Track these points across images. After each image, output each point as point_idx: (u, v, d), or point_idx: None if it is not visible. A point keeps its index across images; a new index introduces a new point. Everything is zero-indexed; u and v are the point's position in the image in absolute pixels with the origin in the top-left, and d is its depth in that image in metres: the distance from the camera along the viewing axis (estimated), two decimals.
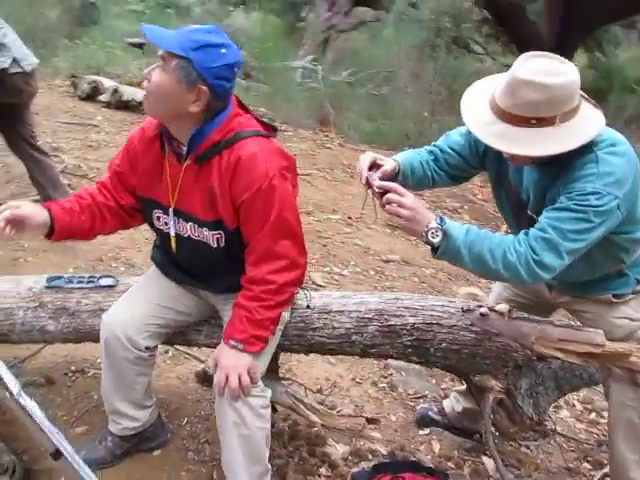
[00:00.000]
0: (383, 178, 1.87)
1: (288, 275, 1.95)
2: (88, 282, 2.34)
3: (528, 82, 1.65)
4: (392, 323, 2.23)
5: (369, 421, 2.33)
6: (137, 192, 2.08)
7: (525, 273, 1.75)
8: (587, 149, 1.74)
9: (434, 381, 3.09)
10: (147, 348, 2.11)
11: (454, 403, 2.67)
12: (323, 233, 4.83)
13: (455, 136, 2.13)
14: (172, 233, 2.05)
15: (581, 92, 1.77)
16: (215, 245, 1.99)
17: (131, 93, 6.85)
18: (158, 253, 2.21)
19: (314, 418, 2.20)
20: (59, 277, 2.36)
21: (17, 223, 1.91)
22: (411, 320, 2.22)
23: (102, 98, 6.87)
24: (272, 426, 2.37)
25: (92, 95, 7.00)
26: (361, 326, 2.25)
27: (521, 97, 1.67)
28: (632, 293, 2.12)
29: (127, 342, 2.07)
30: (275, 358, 2.44)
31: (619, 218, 1.79)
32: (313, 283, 3.95)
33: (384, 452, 2.48)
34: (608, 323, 2.13)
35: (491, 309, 2.20)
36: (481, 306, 2.22)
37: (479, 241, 1.76)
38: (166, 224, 2.05)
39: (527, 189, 1.94)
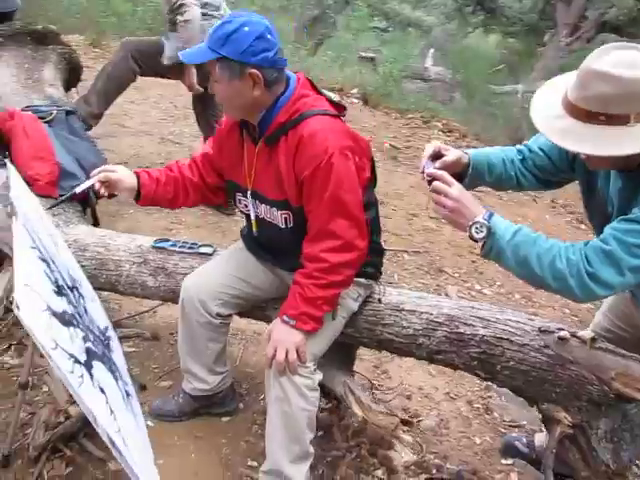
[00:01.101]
0: (443, 169, 1.78)
1: (342, 255, 1.94)
2: (189, 248, 2.52)
3: (601, 73, 1.48)
4: (461, 331, 2.12)
5: (403, 422, 2.23)
6: (224, 175, 2.20)
7: (576, 286, 1.55)
8: None
9: (536, 413, 2.84)
10: (218, 315, 2.22)
11: (546, 439, 2.44)
12: (475, 249, 4.65)
13: None
14: (252, 215, 2.15)
15: None
16: (283, 225, 2.04)
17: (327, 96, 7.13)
18: (245, 229, 2.32)
19: (356, 410, 2.16)
20: (166, 240, 2.57)
21: (109, 185, 2.14)
22: (481, 331, 2.09)
23: None
24: (341, 419, 2.38)
25: None
26: (430, 329, 2.16)
27: (591, 89, 1.49)
28: None
29: (200, 306, 2.20)
30: (350, 351, 2.44)
31: None
32: (446, 295, 3.84)
33: (452, 468, 2.36)
34: None
35: (573, 334, 2.00)
36: (562, 329, 2.03)
37: (527, 243, 1.60)
38: (246, 206, 2.15)
39: (611, 199, 1.73)
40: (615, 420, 2.01)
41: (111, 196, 2.27)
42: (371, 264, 2.17)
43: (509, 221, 1.65)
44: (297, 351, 1.96)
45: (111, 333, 2.32)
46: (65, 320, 1.69)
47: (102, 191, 2.14)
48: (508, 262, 1.63)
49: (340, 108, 2.01)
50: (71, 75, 4.48)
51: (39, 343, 1.41)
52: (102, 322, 2.25)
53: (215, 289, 2.21)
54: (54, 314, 1.61)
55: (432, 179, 1.70)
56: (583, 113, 1.51)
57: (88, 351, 1.77)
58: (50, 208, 2.21)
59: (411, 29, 14.71)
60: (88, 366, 1.68)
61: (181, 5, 3.68)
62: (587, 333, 2.00)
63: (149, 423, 2.36)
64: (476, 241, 1.65)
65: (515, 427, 2.76)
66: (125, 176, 2.16)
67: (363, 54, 10.61)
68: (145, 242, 2.57)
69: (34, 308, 1.48)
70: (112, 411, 1.68)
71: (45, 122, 3.08)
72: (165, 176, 2.21)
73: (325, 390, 2.36)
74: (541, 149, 1.91)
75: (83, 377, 1.58)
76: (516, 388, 2.13)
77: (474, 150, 1.98)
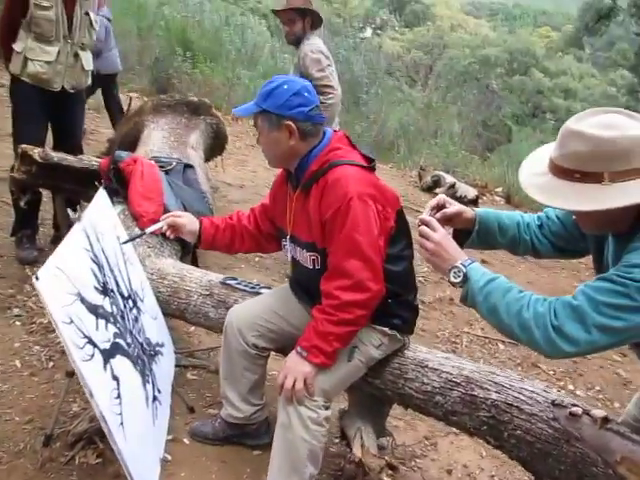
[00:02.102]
0: (443, 220, 1.85)
1: (353, 295, 2.04)
2: (251, 288, 2.73)
3: (577, 133, 1.51)
4: (475, 394, 2.10)
5: (389, 466, 2.18)
6: (276, 223, 2.42)
7: (541, 338, 1.53)
8: None
9: None
10: (255, 346, 2.38)
11: None
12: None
13: None
14: (289, 257, 2.34)
15: None
16: (311, 266, 2.20)
17: (465, 190, 7.28)
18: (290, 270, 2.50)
19: (356, 450, 2.17)
20: (234, 278, 2.81)
21: (175, 228, 2.43)
22: (494, 396, 2.07)
23: (438, 191, 7.41)
24: (365, 474, 2.41)
25: (432, 187, 7.61)
26: (447, 388, 2.17)
27: (568, 148, 1.53)
28: None
29: (238, 334, 2.38)
30: (380, 407, 2.47)
31: None
32: None
33: None
34: None
35: (585, 411, 1.92)
36: (576, 405, 1.95)
37: (499, 291, 1.61)
38: (286, 248, 2.34)
39: (608, 264, 1.70)
40: None
41: (177, 238, 2.55)
42: (399, 317, 2.23)
43: (488, 270, 1.68)
44: (305, 382, 2.07)
45: (164, 350, 2.58)
46: (97, 312, 1.96)
47: (168, 233, 2.44)
48: (481, 309, 1.65)
49: (368, 162, 2.16)
50: (215, 142, 5.03)
51: (50, 313, 1.68)
52: (155, 337, 2.52)
53: (254, 321, 2.39)
54: (83, 301, 1.88)
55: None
56: (560, 170, 1.55)
57: (116, 345, 2.02)
58: (123, 243, 2.50)
59: None
60: (107, 354, 1.92)
61: (327, 86, 4.10)
62: (599, 412, 1.91)
63: (185, 440, 2.55)
64: (454, 285, 1.70)
65: None
66: (189, 222, 2.44)
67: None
68: (215, 278, 2.83)
69: (57, 286, 1.75)
70: (120, 398, 1.89)
71: (164, 170, 3.53)
72: (224, 224, 2.46)
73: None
74: (557, 216, 1.92)
75: (93, 357, 1.82)
76: (522, 460, 2.05)
77: (485, 209, 2.02)
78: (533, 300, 1.58)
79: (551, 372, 3.99)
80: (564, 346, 1.51)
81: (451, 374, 2.19)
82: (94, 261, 2.09)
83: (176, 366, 2.98)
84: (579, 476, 1.88)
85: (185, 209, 3.39)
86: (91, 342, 1.83)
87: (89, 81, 3.86)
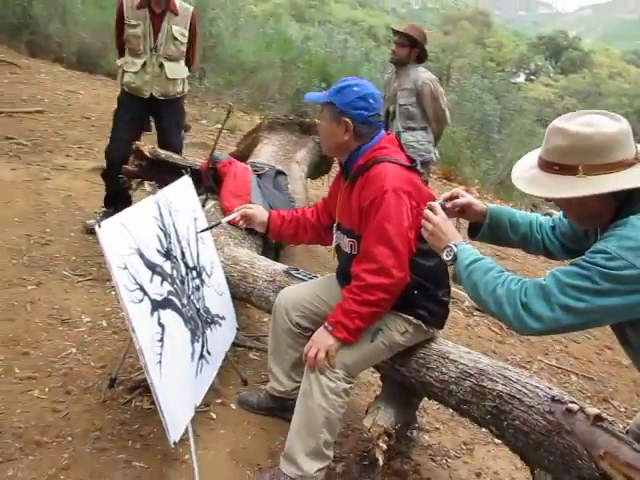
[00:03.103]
0: (452, 210, 2.01)
1: (378, 278, 2.23)
2: (309, 278, 2.99)
3: (559, 129, 1.65)
4: (484, 384, 2.22)
5: (386, 434, 2.29)
6: (332, 216, 2.66)
7: (511, 313, 1.66)
8: (625, 214, 1.61)
9: None
10: (298, 325, 2.63)
11: None
12: None
13: None
14: (334, 244, 2.57)
15: None
16: (349, 251, 2.43)
17: None
18: None
19: (366, 422, 2.34)
20: (296, 269, 3.09)
21: (247, 219, 2.74)
22: (500, 387, 2.17)
23: None
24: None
25: None
26: (461, 378, 2.30)
27: (550, 143, 1.66)
28: None
29: (284, 312, 2.65)
30: (409, 398, 2.62)
31: None
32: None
33: None
34: None
35: (581, 409, 1.99)
36: (573, 402, 2.03)
37: (481, 270, 1.75)
38: (334, 236, 2.58)
39: None
40: None
41: (248, 228, 2.87)
42: (425, 308, 2.39)
43: (477, 252, 1.83)
44: (328, 354, 2.29)
45: (223, 323, 2.90)
46: (154, 269, 2.30)
47: (241, 223, 2.76)
48: (465, 285, 1.80)
49: (410, 162, 2.36)
50: (321, 160, 5.36)
51: (106, 257, 2.03)
52: (216, 309, 2.84)
53: (299, 302, 2.64)
54: (141, 256, 2.23)
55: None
56: (543, 163, 1.69)
57: (168, 301, 2.35)
58: (201, 232, 2.83)
59: None
60: (157, 304, 2.25)
61: (443, 118, 4.82)
62: (593, 410, 1.97)
63: (232, 405, 2.83)
64: (447, 263, 1.87)
65: None
66: (260, 213, 2.74)
67: None
68: (280, 267, 3.12)
69: (117, 237, 2.11)
70: (162, 342, 2.21)
71: (257, 174, 3.91)
72: (290, 216, 2.74)
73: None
74: (565, 217, 2.03)
75: (141, 302, 2.15)
76: (518, 450, 2.14)
77: (498, 205, 2.16)
78: (509, 279, 1.72)
79: (622, 409, 3.88)
80: (530, 322, 1.64)
81: (467, 366, 2.32)
82: (161, 229, 2.44)
83: (242, 346, 3.31)
84: (565, 467, 1.95)
85: (271, 209, 3.73)
86: (142, 289, 2.17)
87: (179, 89, 4.36)
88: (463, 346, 2.54)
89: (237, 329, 3.13)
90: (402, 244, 2.24)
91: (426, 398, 2.57)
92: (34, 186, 4.75)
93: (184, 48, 4.24)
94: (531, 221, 2.09)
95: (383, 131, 2.44)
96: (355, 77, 2.46)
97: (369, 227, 2.27)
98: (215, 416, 2.73)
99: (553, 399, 2.06)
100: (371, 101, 2.32)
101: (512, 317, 1.67)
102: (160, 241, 2.41)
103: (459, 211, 2.06)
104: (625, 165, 1.61)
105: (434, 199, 2.37)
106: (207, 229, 2.87)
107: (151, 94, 4.22)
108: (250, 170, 3.84)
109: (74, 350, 2.92)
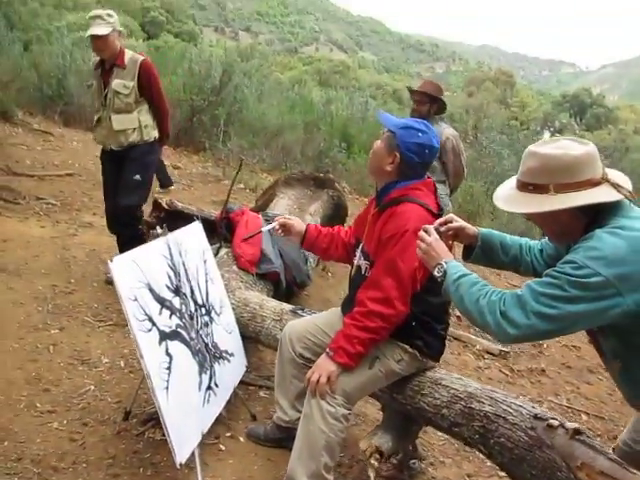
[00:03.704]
0: (446, 234, 2.16)
1: (380, 307, 2.39)
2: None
3: (533, 152, 1.82)
4: (472, 406, 2.34)
5: (378, 452, 2.38)
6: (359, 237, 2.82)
7: (492, 322, 1.80)
8: (593, 229, 1.75)
9: None
10: (301, 356, 2.78)
11: None
12: None
13: None
14: (355, 262, 2.70)
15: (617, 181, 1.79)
16: (363, 272, 2.58)
17: None
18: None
19: (362, 445, 2.45)
20: (301, 308, 3.26)
21: (286, 229, 2.91)
22: (487, 408, 2.29)
23: None
24: None
25: None
26: (452, 402, 2.42)
27: (525, 165, 1.84)
28: None
29: (289, 344, 2.80)
30: (408, 425, 2.74)
31: (624, 308, 1.67)
32: None
33: None
34: None
35: (561, 424, 2.10)
36: (555, 419, 2.14)
37: (467, 284, 1.91)
38: (355, 255, 2.72)
39: None
40: None
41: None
42: (421, 339, 2.52)
43: (465, 269, 1.99)
44: (329, 379, 2.43)
45: (232, 359, 3.07)
46: (163, 303, 2.50)
47: (279, 232, 2.93)
48: (453, 299, 1.95)
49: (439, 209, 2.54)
50: (335, 212, 5.57)
51: (118, 289, 2.23)
52: (225, 346, 3.02)
53: (303, 334, 2.79)
54: (151, 290, 2.43)
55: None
56: (520, 184, 1.86)
57: (176, 333, 2.55)
58: (245, 239, 3.05)
59: None
60: (165, 335, 2.44)
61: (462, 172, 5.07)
62: (572, 425, 2.08)
63: (240, 438, 2.96)
64: (437, 280, 2.02)
65: None
66: (298, 224, 2.91)
67: None
68: (287, 307, 3.29)
69: (128, 272, 2.32)
70: (169, 370, 2.39)
71: (268, 222, 4.13)
72: (326, 231, 2.91)
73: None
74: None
75: (150, 331, 2.34)
76: (504, 466, 2.23)
77: (490, 230, 2.30)
78: (490, 291, 1.87)
79: None
80: (508, 329, 1.78)
81: (458, 390, 2.44)
82: (170, 267, 2.65)
83: (253, 385, 3.46)
84: None
85: (281, 256, 3.94)
86: (151, 320, 2.36)
87: (132, 138, 4.31)
88: (455, 374, 2.66)
89: (248, 369, 3.29)
90: (409, 280, 2.40)
91: (434, 434, 2.69)
92: (61, 241, 5.03)
93: (130, 99, 4.26)
94: (521, 244, 2.24)
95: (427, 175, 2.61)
96: (426, 124, 2.55)
97: (382, 258, 2.44)
98: (224, 448, 2.86)
99: (535, 416, 2.17)
100: (426, 152, 2.49)
101: (493, 325, 1.81)
102: (170, 278, 2.61)
103: (453, 234, 2.22)
104: (592, 184, 1.77)
105: (450, 245, 2.53)
106: (251, 236, 3.22)
107: (110, 147, 4.38)
108: (262, 219, 4.06)
109: (92, 387, 3.10)
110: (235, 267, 3.73)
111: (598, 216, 1.78)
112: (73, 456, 2.57)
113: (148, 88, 4.29)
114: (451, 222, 2.23)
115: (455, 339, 4.92)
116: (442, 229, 2.18)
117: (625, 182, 1.83)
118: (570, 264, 1.71)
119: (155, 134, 4.42)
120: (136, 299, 2.31)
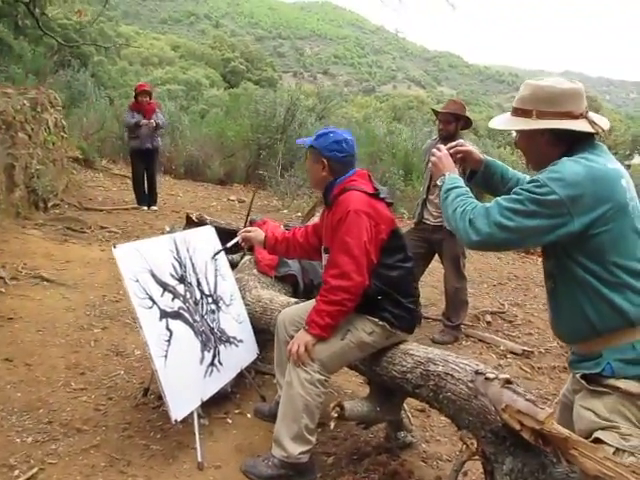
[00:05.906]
0: (455, 155, 2.41)
1: (340, 281, 2.72)
2: None
3: (527, 84, 2.13)
4: (430, 369, 2.61)
5: (339, 406, 2.65)
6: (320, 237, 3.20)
7: (462, 228, 2.07)
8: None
9: None
10: (292, 337, 3.12)
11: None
12: None
13: None
14: (323, 262, 3.08)
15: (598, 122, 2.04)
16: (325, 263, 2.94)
17: None
18: None
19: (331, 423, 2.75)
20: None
21: (247, 240, 3.34)
22: (440, 369, 2.56)
23: None
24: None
25: None
26: (414, 367, 2.69)
27: (519, 94, 2.15)
28: (606, 387, 1.97)
29: (283, 327, 3.15)
30: (391, 397, 3.01)
31: (570, 228, 1.90)
32: None
33: None
34: (576, 409, 2.04)
35: (497, 377, 2.35)
36: (493, 372, 2.39)
37: (454, 194, 2.18)
38: (322, 258, 3.10)
39: None
40: (516, 462, 2.22)
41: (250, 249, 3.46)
42: (389, 312, 2.82)
43: (461, 182, 2.26)
44: (306, 349, 2.76)
45: (240, 345, 3.45)
46: (165, 287, 2.92)
47: (243, 244, 3.36)
48: (442, 205, 2.24)
49: (375, 191, 2.88)
50: None
51: (120, 271, 2.67)
52: (232, 332, 3.40)
53: (294, 318, 3.14)
54: (153, 275, 2.85)
55: None
56: (512, 109, 2.17)
57: (178, 314, 2.95)
58: (213, 256, 3.43)
59: None
60: (166, 314, 2.85)
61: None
62: (504, 375, 2.33)
63: (248, 415, 3.32)
64: (438, 188, 2.32)
65: None
66: (257, 235, 3.33)
67: None
68: (293, 301, 3.65)
69: (131, 257, 2.75)
70: (169, 342, 2.79)
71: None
72: (282, 237, 3.30)
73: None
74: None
75: (151, 308, 2.75)
76: (450, 416, 2.49)
77: (498, 161, 2.53)
78: (469, 203, 2.13)
79: None
80: (471, 234, 2.04)
81: (420, 356, 2.72)
82: (176, 259, 3.07)
83: (267, 374, 3.81)
84: (481, 424, 2.30)
85: (299, 260, 4.32)
86: (151, 299, 2.78)
87: None
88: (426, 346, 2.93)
89: (260, 357, 3.66)
90: (360, 254, 2.73)
91: (436, 416, 2.89)
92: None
93: None
94: (519, 178, 2.46)
95: (356, 168, 2.99)
96: (333, 127, 3.05)
97: (335, 241, 2.78)
98: (231, 421, 3.23)
99: (477, 372, 2.43)
100: (344, 145, 2.88)
101: (461, 229, 2.09)
102: (174, 268, 3.04)
103: (461, 157, 2.47)
104: (571, 117, 2.04)
105: (393, 221, 2.87)
106: (216, 253, 3.49)
107: None
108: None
109: (122, 372, 3.56)
110: (255, 270, 4.13)
111: (573, 147, 2.03)
112: (95, 421, 3.01)
113: None
114: (461, 146, 2.49)
115: (480, 341, 5.11)
116: (452, 151, 2.43)
117: (604, 123, 2.07)
118: (533, 182, 1.96)
119: None
120: (137, 280, 2.73)
